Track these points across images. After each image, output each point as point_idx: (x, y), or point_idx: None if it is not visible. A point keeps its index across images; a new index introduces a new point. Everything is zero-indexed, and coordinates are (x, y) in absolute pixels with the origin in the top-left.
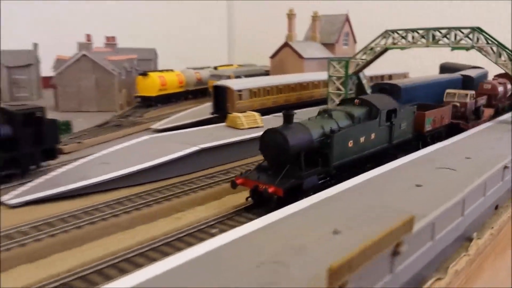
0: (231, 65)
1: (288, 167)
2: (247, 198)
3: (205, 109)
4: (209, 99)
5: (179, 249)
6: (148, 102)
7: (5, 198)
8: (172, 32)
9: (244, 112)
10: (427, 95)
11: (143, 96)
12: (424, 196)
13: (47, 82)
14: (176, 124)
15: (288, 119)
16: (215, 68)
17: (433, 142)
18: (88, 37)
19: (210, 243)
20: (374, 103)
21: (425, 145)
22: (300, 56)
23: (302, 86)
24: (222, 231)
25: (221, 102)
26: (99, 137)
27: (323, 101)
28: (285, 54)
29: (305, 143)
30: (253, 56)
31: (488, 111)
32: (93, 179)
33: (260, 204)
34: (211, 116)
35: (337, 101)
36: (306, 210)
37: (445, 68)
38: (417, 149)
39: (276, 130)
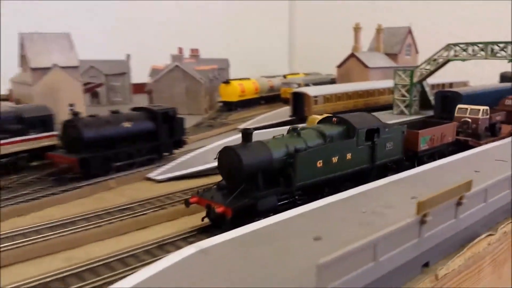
0: (298, 73)
1: (244, 187)
2: (202, 219)
3: (282, 112)
4: (281, 105)
5: None
6: (229, 107)
7: (152, 175)
8: (237, 43)
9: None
10: (486, 102)
11: (225, 101)
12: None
13: (136, 88)
14: (261, 125)
15: (246, 137)
16: (284, 76)
17: (433, 160)
18: (180, 50)
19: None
20: (351, 121)
21: (421, 164)
22: (365, 65)
23: (369, 93)
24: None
25: (299, 106)
26: (199, 134)
27: (388, 106)
28: (351, 64)
29: (263, 162)
30: (313, 65)
31: (508, 128)
32: (213, 163)
33: (218, 225)
34: (290, 118)
35: (402, 107)
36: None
37: (505, 77)
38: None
39: (231, 148)
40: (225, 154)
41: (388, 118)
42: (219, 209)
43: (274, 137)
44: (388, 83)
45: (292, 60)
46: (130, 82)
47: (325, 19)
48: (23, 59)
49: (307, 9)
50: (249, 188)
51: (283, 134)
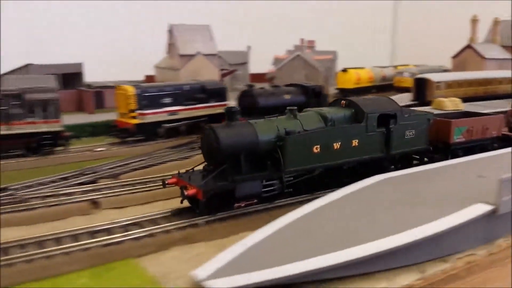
0: (407, 65)
1: (224, 169)
2: (181, 201)
3: (404, 97)
4: (394, 93)
5: None
6: (345, 93)
7: None
8: (343, 37)
9: None
10: None
11: (341, 88)
12: None
13: (252, 78)
14: None
15: (230, 116)
16: (395, 67)
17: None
18: (302, 40)
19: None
20: (360, 105)
21: (455, 157)
22: (482, 56)
23: (488, 81)
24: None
25: (421, 91)
26: None
27: (506, 95)
28: (468, 55)
29: (246, 144)
30: (417, 57)
31: None
32: None
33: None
34: (412, 103)
35: None
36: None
37: None
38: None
39: (210, 127)
40: (206, 133)
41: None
42: (189, 191)
43: (265, 117)
44: (507, 73)
45: (394, 52)
46: (249, 71)
47: (429, 12)
48: (171, 47)
49: (411, 4)
50: (231, 171)
51: (277, 116)
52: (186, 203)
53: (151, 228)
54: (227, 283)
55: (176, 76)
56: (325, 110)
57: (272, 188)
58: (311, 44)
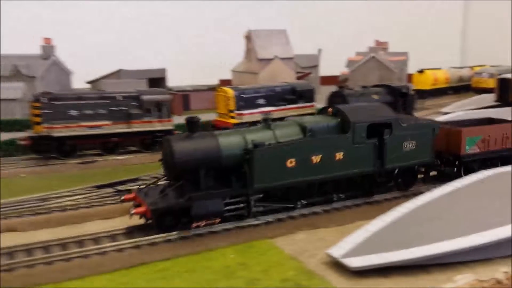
0: (483, 65)
1: (180, 185)
2: (140, 217)
3: (488, 98)
4: (472, 94)
5: None
6: (422, 95)
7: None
8: (414, 38)
9: None
10: None
11: (418, 89)
12: None
13: (322, 80)
14: (464, 109)
15: (191, 126)
16: (471, 68)
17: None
18: (376, 42)
19: None
20: (347, 113)
21: (469, 172)
22: None
23: None
24: None
25: (505, 92)
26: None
27: None
28: None
29: (206, 157)
30: (487, 58)
31: None
32: None
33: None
34: (495, 104)
35: None
36: None
37: None
38: (453, 177)
39: (167, 139)
40: (164, 145)
41: None
42: (137, 209)
43: (233, 128)
44: None
45: (465, 53)
46: (319, 74)
47: (498, 12)
48: (249, 51)
49: (482, 7)
50: (188, 188)
51: (248, 126)
52: None
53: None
54: (363, 261)
55: (254, 80)
56: (306, 119)
57: (237, 206)
58: (384, 46)
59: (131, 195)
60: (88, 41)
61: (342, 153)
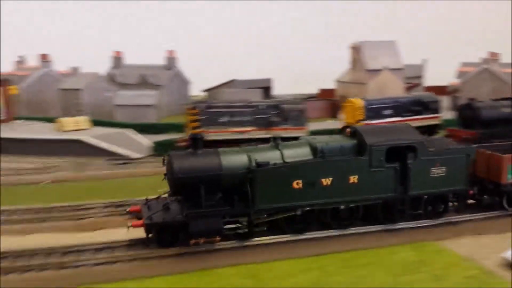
0: None
1: (180, 200)
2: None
3: None
4: None
5: None
6: None
7: None
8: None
9: None
10: None
11: None
12: None
13: (428, 90)
14: None
15: (194, 144)
16: None
17: None
18: (491, 54)
19: None
20: (364, 134)
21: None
22: None
23: None
24: None
25: None
26: None
27: None
28: None
29: (206, 175)
30: None
31: None
32: None
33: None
34: None
35: None
36: None
37: None
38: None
39: (169, 154)
40: (167, 161)
41: None
42: (135, 223)
43: (240, 146)
44: None
45: None
46: (424, 84)
47: None
48: (355, 62)
49: None
50: (188, 204)
51: (256, 144)
52: None
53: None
54: None
55: (362, 90)
56: (319, 139)
57: (238, 226)
58: (495, 57)
59: (137, 208)
60: (200, 52)
61: (357, 177)
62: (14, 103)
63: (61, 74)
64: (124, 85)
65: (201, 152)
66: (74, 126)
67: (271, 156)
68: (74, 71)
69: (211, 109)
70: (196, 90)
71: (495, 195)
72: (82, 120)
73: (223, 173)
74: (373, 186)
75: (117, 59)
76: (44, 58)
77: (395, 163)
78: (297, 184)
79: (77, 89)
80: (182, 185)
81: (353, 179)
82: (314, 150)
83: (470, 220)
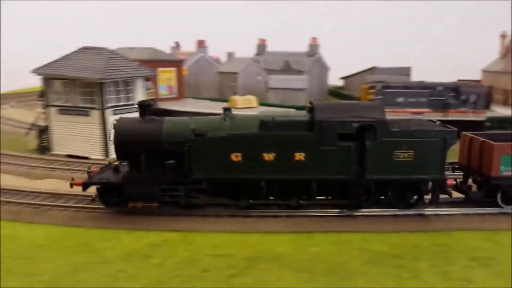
0: None
1: (127, 164)
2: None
3: None
4: None
5: None
6: None
7: None
8: None
9: None
10: None
11: None
12: None
13: None
14: None
15: (141, 110)
16: None
17: None
18: None
19: None
20: (317, 109)
21: (507, 201)
22: None
23: None
24: None
25: None
26: None
27: None
28: None
29: (147, 141)
30: None
31: None
32: None
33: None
34: None
35: None
36: None
37: None
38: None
39: (117, 119)
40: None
41: None
42: (76, 181)
43: (190, 117)
44: None
45: None
46: None
47: None
48: (506, 51)
49: None
50: (133, 168)
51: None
52: None
53: None
54: None
55: None
56: (277, 113)
57: (176, 193)
58: None
59: (95, 170)
60: (340, 39)
61: (303, 154)
62: (184, 83)
63: (214, 58)
64: (269, 71)
65: (147, 119)
66: (245, 104)
67: (217, 126)
68: (230, 56)
69: (388, 89)
70: (335, 77)
71: (486, 189)
72: (252, 99)
73: (164, 140)
74: (322, 166)
75: (262, 46)
76: (201, 44)
77: (350, 143)
78: (236, 157)
79: (234, 73)
80: (123, 149)
81: (299, 156)
82: (261, 123)
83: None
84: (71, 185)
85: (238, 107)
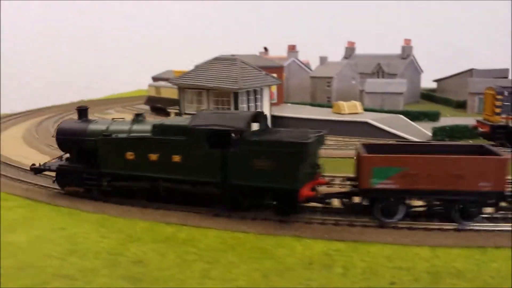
0: None
1: (69, 157)
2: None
3: None
4: None
5: None
6: None
7: None
8: None
9: None
10: None
11: None
12: None
13: None
14: None
15: (79, 114)
16: None
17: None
18: None
19: None
20: (192, 117)
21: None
22: None
23: None
24: None
25: None
26: None
27: None
28: None
29: (76, 139)
30: None
31: None
32: None
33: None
34: None
35: None
36: None
37: None
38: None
39: (62, 121)
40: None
41: None
42: (31, 166)
43: (113, 119)
44: None
45: None
46: None
47: None
48: None
49: None
50: (70, 159)
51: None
52: None
53: None
54: None
55: None
56: (172, 119)
57: (93, 182)
58: None
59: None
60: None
61: (179, 157)
62: (283, 88)
63: (304, 62)
64: (360, 74)
65: (81, 121)
66: (351, 110)
67: (123, 129)
68: (323, 61)
69: None
70: (427, 80)
71: (364, 201)
72: (358, 105)
73: (86, 139)
74: (194, 169)
75: (350, 49)
76: (292, 48)
77: (217, 149)
78: (130, 155)
79: (329, 77)
80: (61, 144)
81: (176, 158)
82: (152, 127)
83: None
84: (30, 168)
85: (343, 112)
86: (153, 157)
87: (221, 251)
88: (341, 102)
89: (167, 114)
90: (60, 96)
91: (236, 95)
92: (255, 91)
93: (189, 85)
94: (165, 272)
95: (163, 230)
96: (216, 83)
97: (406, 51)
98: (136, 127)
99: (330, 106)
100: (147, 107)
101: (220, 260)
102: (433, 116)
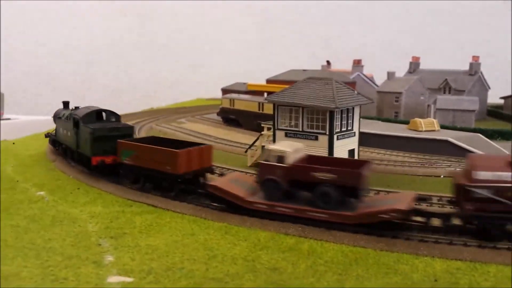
0: None
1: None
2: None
3: None
4: None
5: None
6: None
7: None
8: None
9: None
10: None
11: None
12: None
13: None
14: None
15: (63, 105)
16: None
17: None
18: None
19: None
20: (80, 107)
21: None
22: None
23: None
24: None
25: None
26: None
27: None
28: None
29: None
30: None
31: None
32: None
33: None
34: None
35: None
36: None
37: None
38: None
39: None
40: None
41: None
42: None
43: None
44: None
45: None
46: None
47: None
48: None
49: None
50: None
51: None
52: None
53: None
54: None
55: None
56: (81, 109)
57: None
58: None
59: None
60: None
61: (69, 133)
62: None
63: (368, 76)
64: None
65: (77, 109)
66: (428, 127)
67: (71, 113)
68: (391, 76)
69: None
70: (491, 96)
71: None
72: (435, 122)
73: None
74: (72, 141)
75: (415, 64)
76: (357, 63)
77: (75, 128)
78: (61, 131)
79: (398, 92)
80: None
81: (68, 133)
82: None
83: None
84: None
85: (420, 129)
86: (65, 132)
87: (347, 264)
88: (418, 119)
89: (239, 125)
90: (126, 104)
91: (332, 113)
92: (347, 110)
93: (286, 103)
94: (303, 280)
95: (284, 241)
96: (313, 101)
97: (474, 68)
98: (75, 112)
99: (398, 122)
100: (219, 118)
101: (348, 272)
102: (507, 135)
